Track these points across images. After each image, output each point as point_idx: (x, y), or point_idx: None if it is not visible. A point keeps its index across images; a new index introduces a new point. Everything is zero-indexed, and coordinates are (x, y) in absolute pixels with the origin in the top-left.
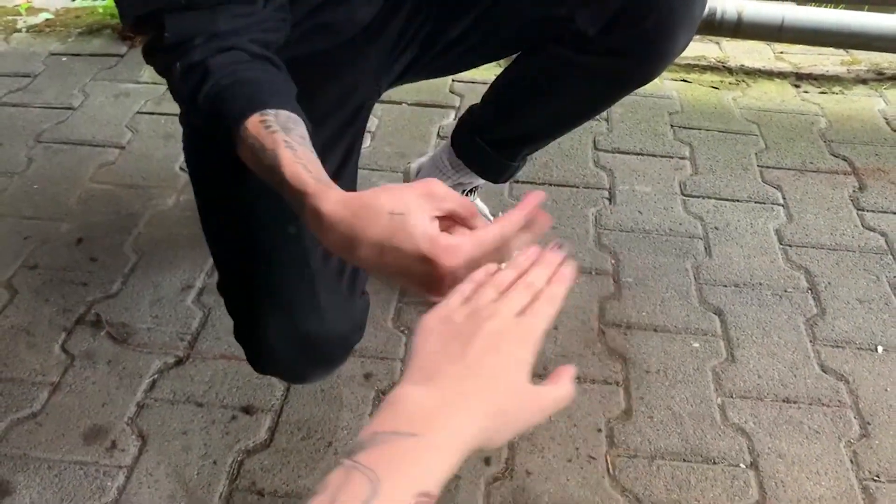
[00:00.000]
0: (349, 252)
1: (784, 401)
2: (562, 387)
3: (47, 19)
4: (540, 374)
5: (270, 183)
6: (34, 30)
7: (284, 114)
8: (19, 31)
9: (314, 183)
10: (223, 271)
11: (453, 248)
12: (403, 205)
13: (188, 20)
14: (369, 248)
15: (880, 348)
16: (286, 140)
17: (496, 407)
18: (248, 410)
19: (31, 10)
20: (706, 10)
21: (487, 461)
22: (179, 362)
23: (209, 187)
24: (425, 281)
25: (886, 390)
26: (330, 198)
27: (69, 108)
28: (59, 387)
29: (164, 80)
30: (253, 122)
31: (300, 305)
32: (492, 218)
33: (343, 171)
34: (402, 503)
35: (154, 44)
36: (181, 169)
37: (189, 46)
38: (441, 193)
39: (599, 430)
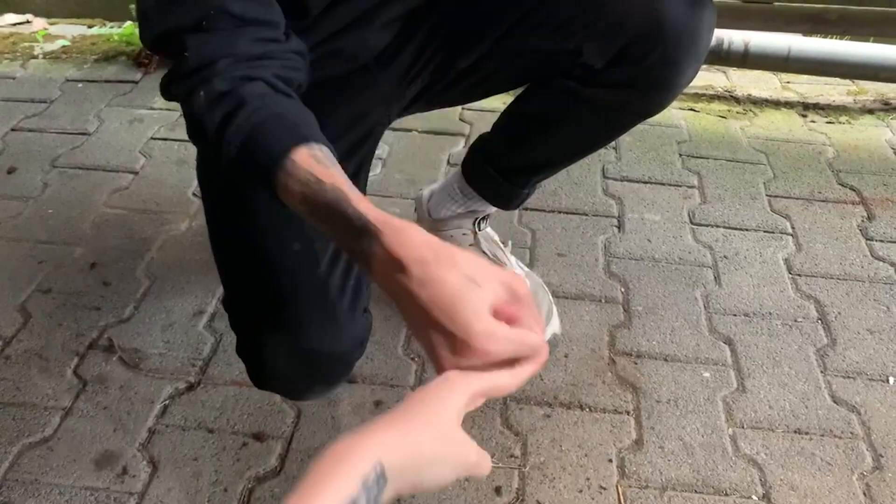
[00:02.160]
0: (404, 293)
1: (795, 432)
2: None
3: (64, 46)
4: (550, 403)
5: (319, 217)
6: (51, 56)
7: (327, 150)
8: (36, 57)
9: (392, 220)
10: (228, 287)
11: (490, 335)
12: (482, 278)
13: (210, 41)
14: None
15: (892, 379)
16: (344, 175)
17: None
18: (258, 437)
19: (49, 37)
20: (714, 40)
21: (498, 491)
22: (191, 388)
23: (217, 203)
24: (448, 345)
25: None
26: (413, 237)
27: (84, 134)
28: (71, 412)
29: (177, 106)
30: (302, 156)
31: (302, 322)
32: (502, 246)
33: None
34: None
35: (174, 71)
36: (194, 194)
37: (212, 71)
38: (522, 295)
39: (610, 461)
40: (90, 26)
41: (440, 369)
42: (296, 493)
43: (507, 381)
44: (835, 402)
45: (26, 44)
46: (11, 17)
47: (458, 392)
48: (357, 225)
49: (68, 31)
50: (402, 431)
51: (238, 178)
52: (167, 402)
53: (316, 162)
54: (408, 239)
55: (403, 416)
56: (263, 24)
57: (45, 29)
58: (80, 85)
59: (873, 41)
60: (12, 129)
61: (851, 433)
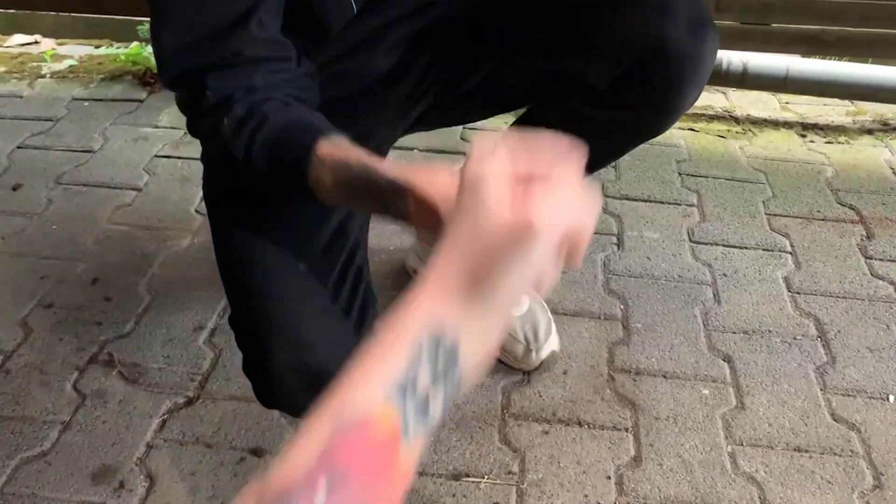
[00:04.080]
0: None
1: (795, 450)
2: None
3: (71, 66)
4: (548, 419)
5: (356, 196)
6: (58, 76)
7: (342, 137)
8: (44, 76)
9: (416, 172)
10: (235, 305)
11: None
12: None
13: (227, 78)
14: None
15: (892, 397)
16: (362, 151)
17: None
18: (256, 452)
19: (56, 57)
20: None
21: None
22: (189, 402)
23: (223, 221)
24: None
25: None
26: (437, 182)
27: (89, 151)
28: (70, 426)
29: (181, 124)
30: (324, 148)
31: (309, 341)
32: None
33: (353, 214)
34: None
35: (195, 108)
36: (196, 211)
37: (231, 100)
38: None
39: (609, 478)
40: (97, 46)
41: None
42: (332, 394)
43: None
44: (834, 419)
45: (34, 63)
46: (20, 38)
47: (485, 188)
48: (389, 190)
49: (76, 51)
50: (444, 266)
51: (281, 192)
52: (166, 416)
53: (336, 149)
54: (433, 185)
55: (445, 252)
56: (276, 61)
57: (54, 49)
58: (86, 103)
59: (871, 62)
60: (18, 147)
61: (851, 451)
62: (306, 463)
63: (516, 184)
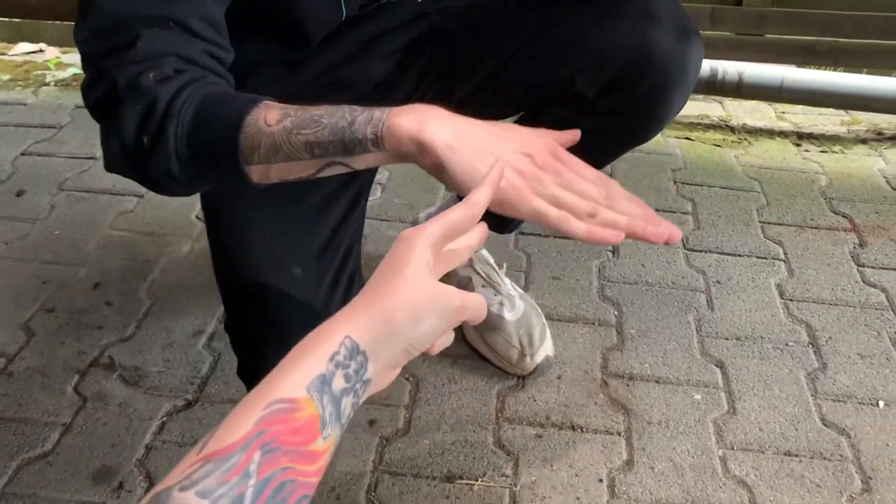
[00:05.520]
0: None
1: (785, 454)
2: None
3: (75, 74)
4: (542, 423)
5: (305, 138)
6: (62, 84)
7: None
8: (48, 84)
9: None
10: (230, 309)
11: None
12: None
13: (165, 39)
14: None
15: (881, 403)
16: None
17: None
18: None
19: (60, 66)
20: (708, 71)
21: None
22: (188, 405)
23: (220, 226)
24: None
25: (888, 445)
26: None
27: (92, 158)
28: (71, 427)
29: None
30: (258, 112)
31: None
32: (496, 267)
33: (349, 217)
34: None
35: (111, 61)
36: (196, 217)
37: (164, 63)
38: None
39: (601, 481)
40: None
41: None
42: (265, 381)
43: (461, 213)
44: (825, 424)
45: (39, 72)
46: (25, 46)
47: (417, 246)
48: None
49: (79, 59)
50: (367, 303)
51: (197, 158)
52: (165, 419)
53: (280, 108)
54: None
55: (370, 290)
56: (217, 46)
57: (58, 57)
58: None
59: (866, 73)
60: (22, 154)
61: (841, 456)
62: (244, 429)
63: (433, 261)
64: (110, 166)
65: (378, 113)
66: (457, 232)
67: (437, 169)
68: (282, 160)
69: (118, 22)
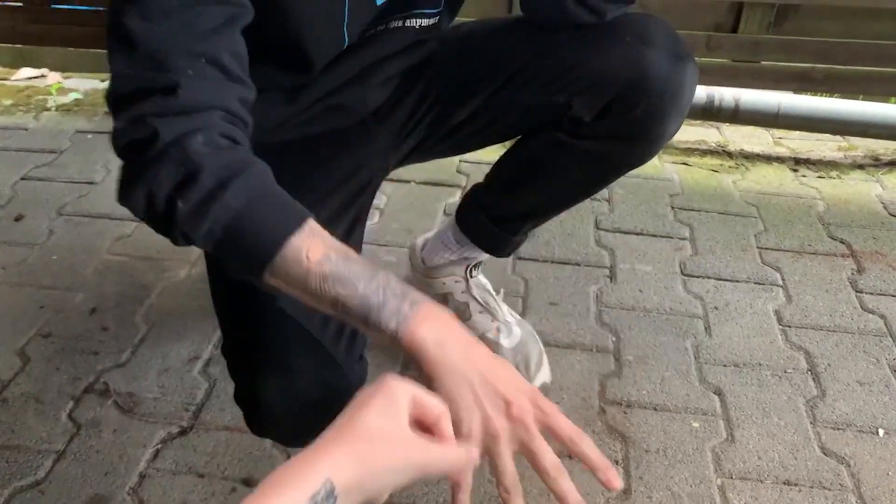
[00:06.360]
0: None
1: (785, 483)
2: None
3: (76, 99)
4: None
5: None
6: (63, 108)
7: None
8: (49, 109)
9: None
10: (227, 334)
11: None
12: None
13: (206, 88)
14: None
15: (881, 431)
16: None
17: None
18: (248, 482)
19: (62, 91)
20: (705, 97)
21: None
22: (183, 432)
23: None
24: None
25: (888, 474)
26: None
27: (91, 183)
28: (64, 455)
29: None
30: (301, 240)
31: (299, 369)
32: (494, 294)
33: (348, 241)
34: None
35: (149, 108)
36: None
37: (210, 119)
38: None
39: None
40: (103, 80)
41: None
42: None
43: (439, 445)
44: (824, 453)
45: (40, 97)
46: (28, 72)
47: (398, 399)
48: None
49: (81, 84)
50: (350, 448)
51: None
52: (159, 446)
53: (323, 241)
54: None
55: (351, 431)
56: (245, 86)
57: (60, 83)
58: (89, 136)
59: (862, 99)
60: (22, 178)
61: (841, 485)
62: None
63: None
64: (125, 203)
65: (406, 308)
66: (428, 419)
67: (427, 381)
68: (303, 293)
69: (155, 56)
